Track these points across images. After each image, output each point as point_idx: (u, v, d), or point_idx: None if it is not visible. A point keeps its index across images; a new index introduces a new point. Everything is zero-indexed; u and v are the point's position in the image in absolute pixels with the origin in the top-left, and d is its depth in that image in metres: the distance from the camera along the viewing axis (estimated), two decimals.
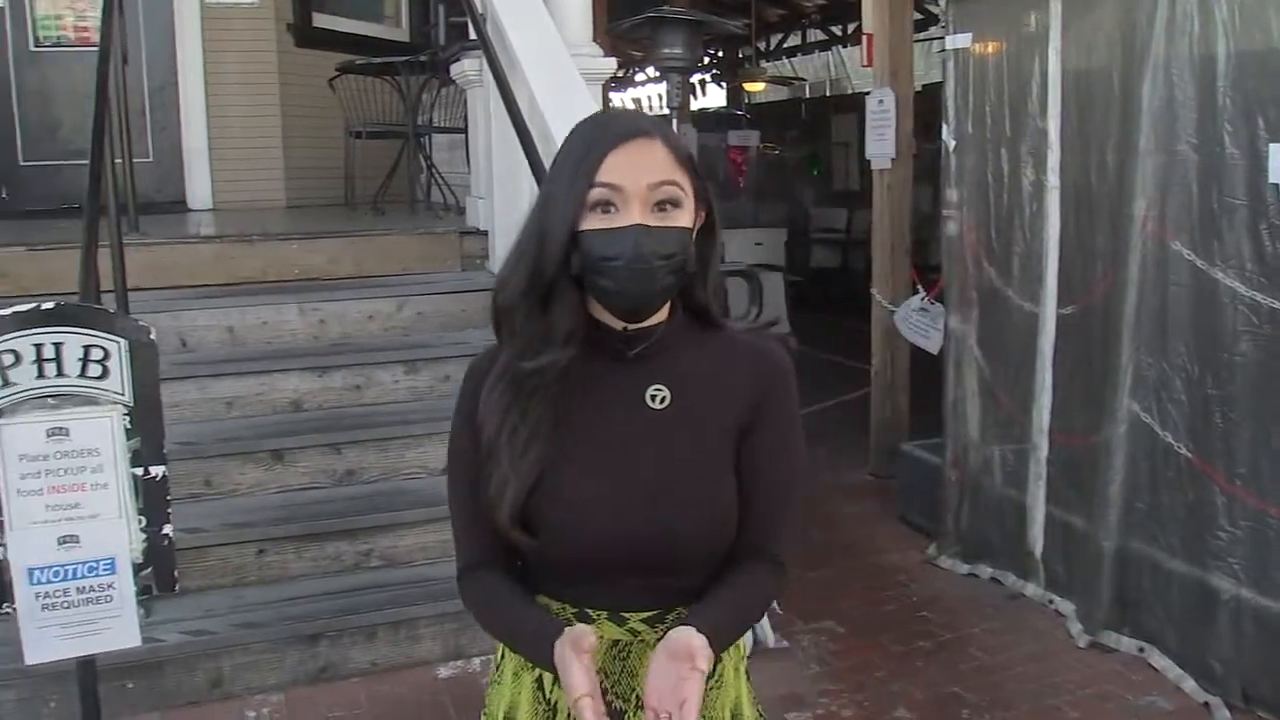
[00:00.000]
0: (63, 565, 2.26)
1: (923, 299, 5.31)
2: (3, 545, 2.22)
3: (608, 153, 1.39)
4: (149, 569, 2.35)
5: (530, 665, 1.53)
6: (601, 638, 1.49)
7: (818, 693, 3.57)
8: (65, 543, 2.25)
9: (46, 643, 2.29)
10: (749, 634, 3.75)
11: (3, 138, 6.72)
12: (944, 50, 4.65)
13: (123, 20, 4.69)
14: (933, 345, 5.17)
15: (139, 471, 2.29)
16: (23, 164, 6.79)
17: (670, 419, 1.48)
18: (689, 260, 1.44)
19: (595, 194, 1.39)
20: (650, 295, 1.42)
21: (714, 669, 1.53)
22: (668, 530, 1.44)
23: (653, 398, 1.48)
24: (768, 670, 3.70)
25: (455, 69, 4.84)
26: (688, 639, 1.33)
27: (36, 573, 2.24)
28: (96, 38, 6.60)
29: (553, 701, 1.53)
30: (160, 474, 2.31)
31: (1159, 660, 3.63)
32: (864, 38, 5.85)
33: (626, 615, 1.49)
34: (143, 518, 2.31)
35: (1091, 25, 3.89)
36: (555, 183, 1.43)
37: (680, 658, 1.31)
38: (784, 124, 14.95)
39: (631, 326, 1.47)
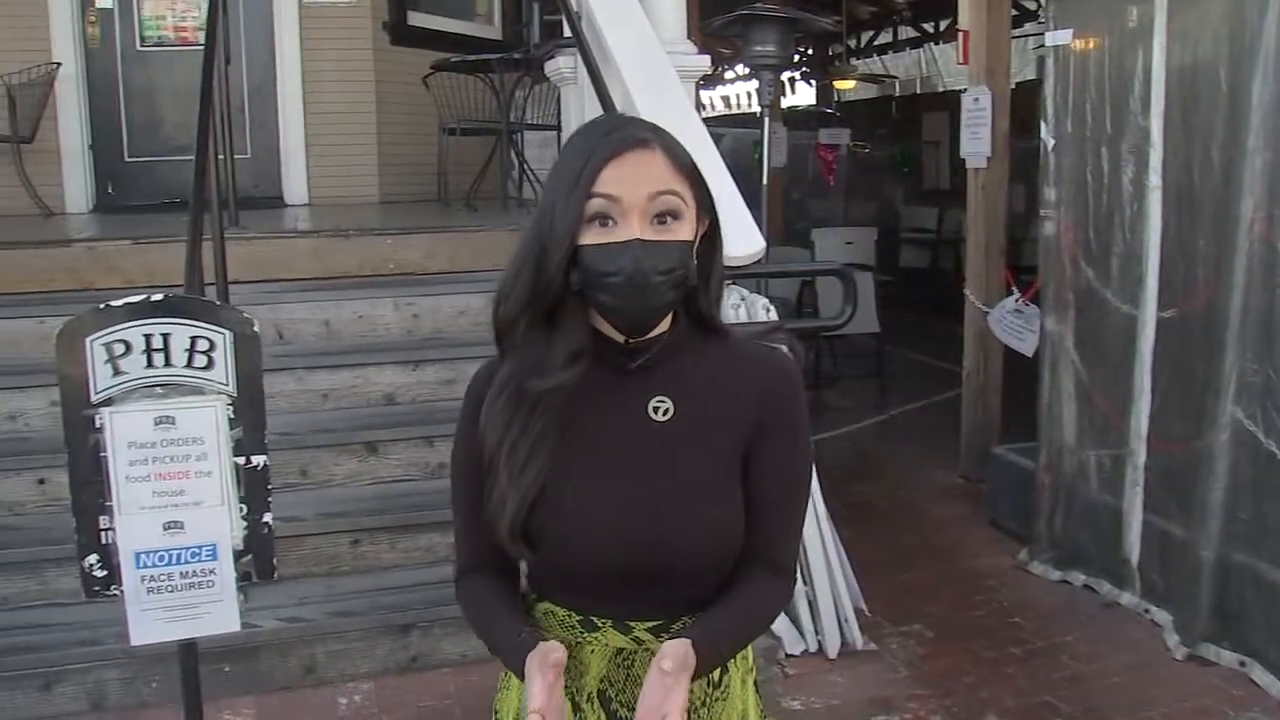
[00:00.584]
0: (167, 550, 2.30)
1: (1017, 300, 5.23)
2: (111, 529, 2.28)
3: (605, 163, 1.36)
4: (249, 556, 2.38)
5: None
6: (606, 645, 1.49)
7: (905, 697, 3.54)
8: (170, 528, 2.29)
9: (150, 625, 2.33)
10: (803, 639, 3.77)
11: (110, 135, 6.92)
12: (1042, 47, 4.58)
13: (226, 20, 4.78)
14: (1027, 347, 5.09)
15: (241, 460, 2.32)
16: (127, 160, 6.99)
17: (673, 431, 1.46)
18: (689, 274, 1.42)
19: (593, 205, 1.36)
20: (650, 311, 1.40)
21: (720, 680, 1.52)
22: (670, 544, 1.42)
23: (655, 409, 1.46)
24: (855, 673, 3.69)
25: (549, 66, 4.87)
26: (671, 648, 1.33)
27: (142, 556, 2.28)
28: (196, 37, 6.84)
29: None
30: (261, 463, 2.34)
31: (1261, 675, 3.53)
32: (960, 35, 5.77)
33: (632, 624, 1.48)
34: (244, 506, 2.35)
35: (1198, 19, 3.79)
36: (553, 193, 1.40)
37: (668, 670, 1.31)
38: (874, 122, 14.82)
39: (633, 339, 1.45)
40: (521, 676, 1.38)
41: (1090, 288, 4.29)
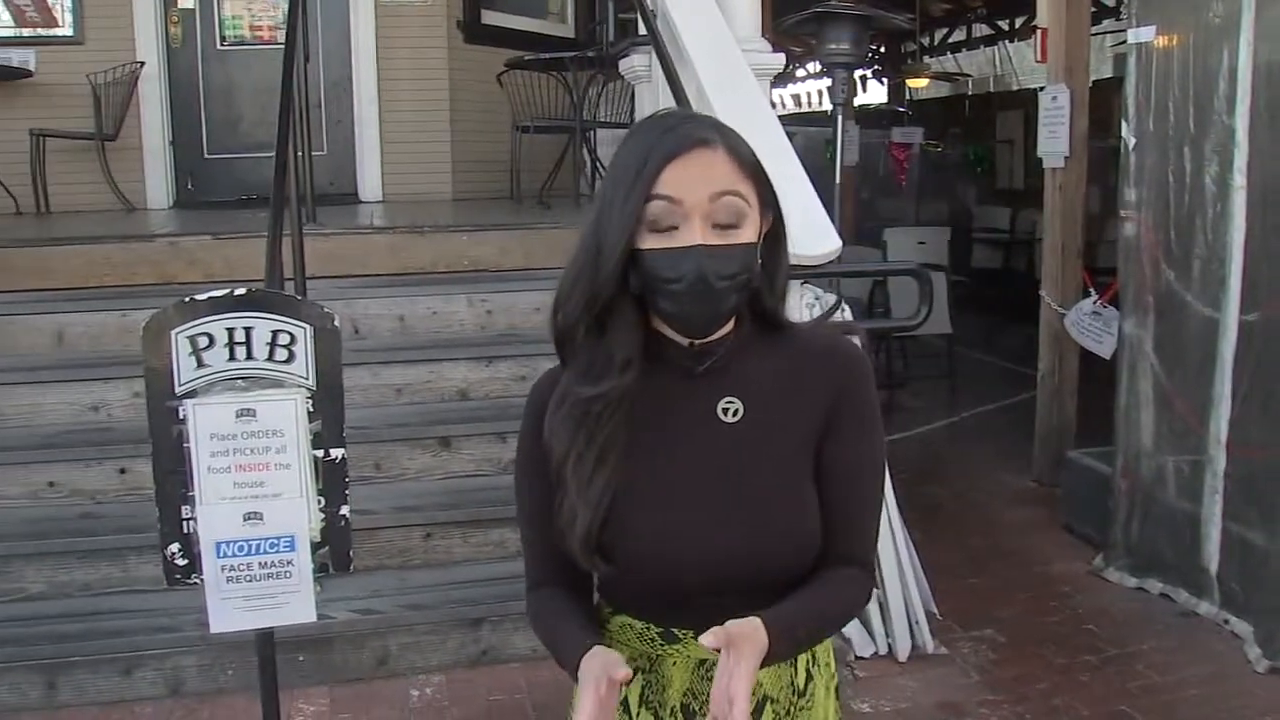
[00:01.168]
0: (247, 540, 2.33)
1: (1095, 302, 5.15)
2: (193, 519, 2.32)
3: (666, 163, 1.31)
4: (326, 548, 2.41)
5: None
6: (688, 657, 1.45)
7: (977, 702, 3.50)
8: (250, 519, 2.33)
9: (229, 614, 2.37)
10: (873, 641, 3.74)
11: (190, 132, 7.06)
12: (1121, 44, 4.51)
13: (304, 18, 4.85)
14: (1105, 350, 5.01)
15: (319, 453, 2.35)
16: (207, 157, 7.12)
17: (745, 432, 1.41)
18: (753, 276, 1.38)
19: (653, 208, 1.31)
20: (713, 315, 1.36)
21: (805, 688, 1.49)
22: (750, 552, 1.38)
23: (724, 411, 1.42)
24: (926, 677, 3.65)
25: (624, 64, 4.88)
26: (736, 624, 1.27)
27: (223, 546, 2.32)
28: (273, 36, 6.95)
29: None
30: (339, 456, 2.37)
31: None
32: (1038, 32, 5.69)
33: None
34: (322, 498, 2.37)
35: None
36: (611, 194, 1.35)
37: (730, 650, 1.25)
38: (947, 121, 14.66)
39: (698, 341, 1.41)
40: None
41: (1171, 290, 4.20)
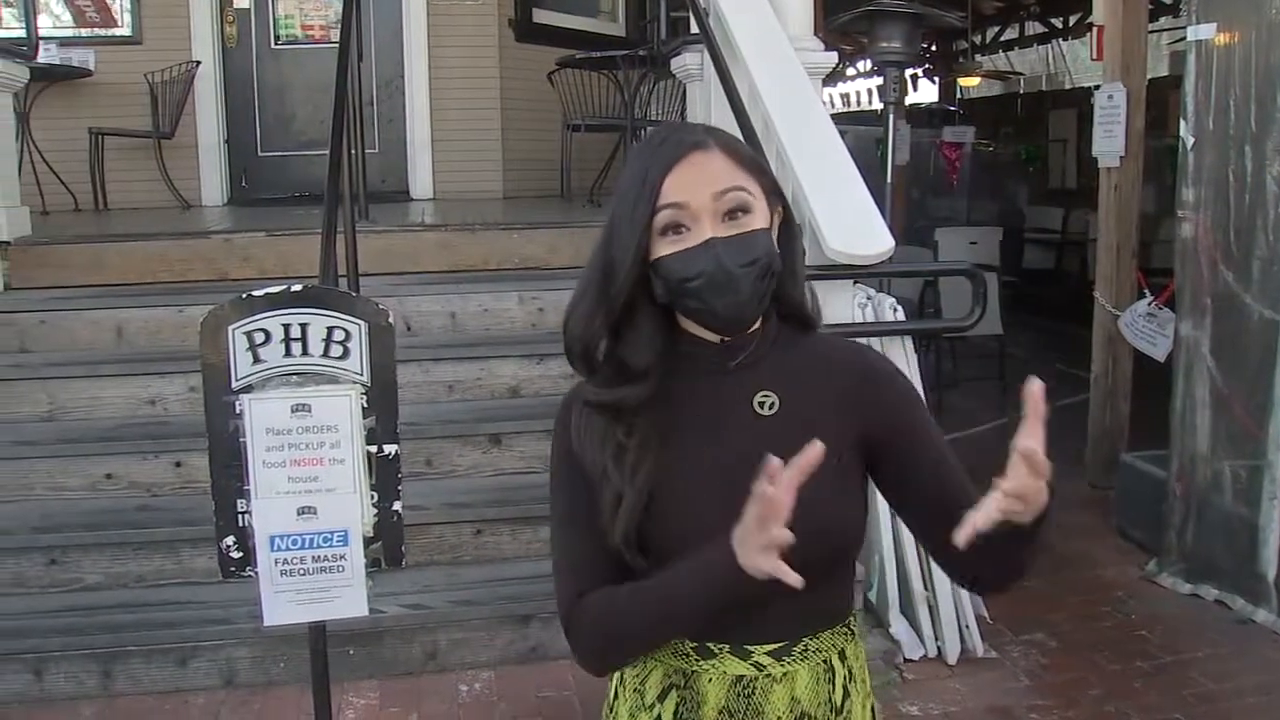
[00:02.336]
0: (301, 534, 2.36)
1: (1150, 304, 5.08)
2: (248, 513, 2.34)
3: (666, 173, 1.34)
4: (378, 543, 2.42)
5: (649, 705, 1.46)
6: (724, 673, 1.42)
7: (1027, 707, 3.46)
8: (304, 514, 2.35)
9: (283, 607, 2.39)
10: (922, 644, 3.71)
11: (244, 130, 7.14)
12: (1178, 41, 4.44)
13: (358, 17, 4.89)
14: (1160, 352, 4.94)
15: (373, 449, 2.37)
16: (260, 154, 7.20)
17: (781, 424, 1.41)
18: (774, 260, 1.38)
19: (662, 217, 1.34)
20: (742, 304, 1.36)
21: (842, 705, 1.47)
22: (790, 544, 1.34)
23: (760, 404, 1.43)
24: (975, 680, 3.61)
25: (676, 63, 4.88)
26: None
27: (277, 540, 2.35)
28: (325, 35, 7.02)
29: None
30: (393, 452, 2.39)
31: None
32: (1094, 30, 5.62)
33: (751, 648, 1.42)
34: (375, 493, 2.39)
35: None
36: (618, 213, 1.38)
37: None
38: (999, 119, 14.52)
39: (729, 338, 1.42)
40: (728, 592, 1.30)
41: (1229, 291, 4.14)
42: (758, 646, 1.42)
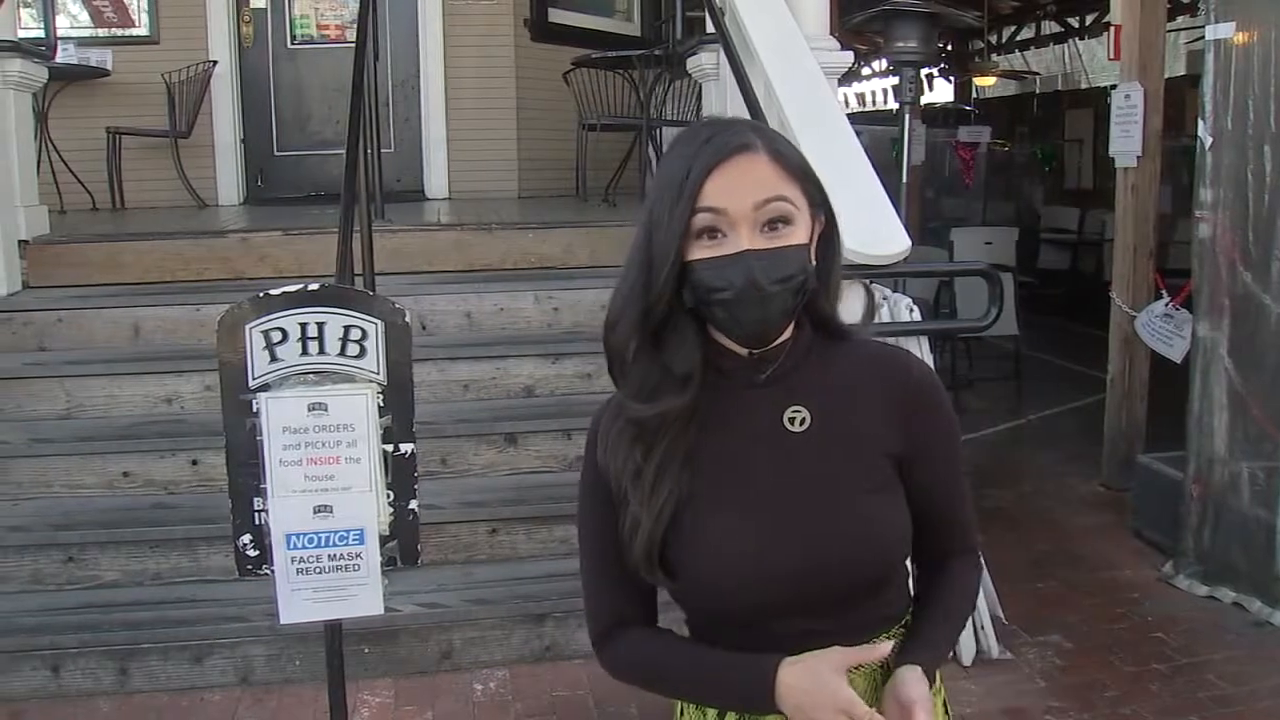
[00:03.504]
0: (317, 533, 2.36)
1: (1167, 304, 5.06)
2: (265, 511, 2.35)
3: (708, 174, 1.28)
4: (394, 541, 2.42)
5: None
6: None
7: (1042, 709, 3.44)
8: (320, 512, 2.35)
9: (299, 605, 2.40)
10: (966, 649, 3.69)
11: (261, 130, 7.17)
12: (1197, 40, 4.41)
13: (374, 16, 4.90)
14: (1176, 353, 4.92)
15: (389, 448, 2.37)
16: (276, 154, 7.22)
17: (814, 441, 1.37)
18: (809, 278, 1.33)
19: (699, 220, 1.29)
20: (769, 321, 1.32)
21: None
22: (825, 565, 1.33)
23: (791, 420, 1.38)
24: (990, 682, 3.60)
25: (692, 62, 4.88)
26: (910, 691, 1.30)
27: (293, 538, 2.35)
28: (341, 34, 7.04)
29: None
30: (409, 451, 2.39)
31: None
32: (1111, 29, 5.59)
33: None
34: (390, 492, 2.39)
35: None
36: (657, 207, 1.32)
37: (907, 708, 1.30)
38: (1014, 119, 14.48)
39: (757, 351, 1.37)
40: (763, 703, 1.31)
41: (1248, 292, 4.12)
42: None
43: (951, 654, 3.70)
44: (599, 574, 1.45)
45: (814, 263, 1.36)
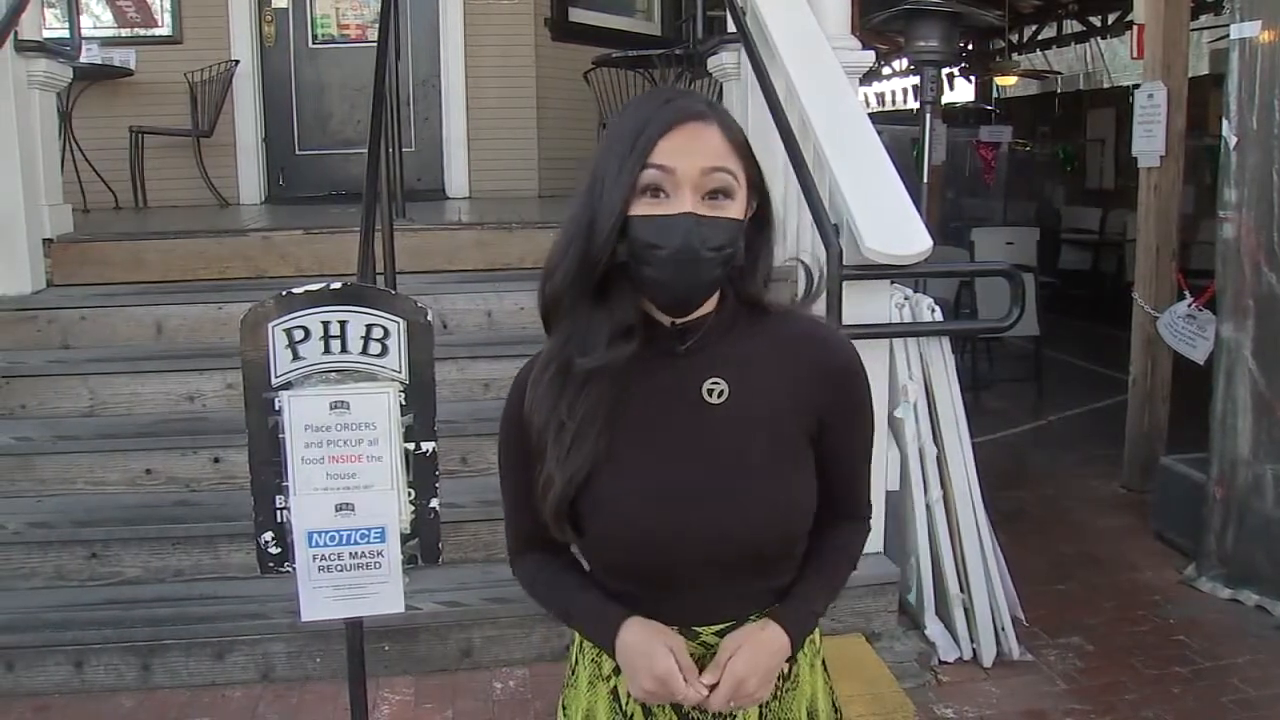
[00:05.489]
0: (338, 531, 2.37)
1: (1190, 305, 5.03)
2: (287, 509, 2.36)
3: (663, 133, 1.32)
4: (415, 540, 2.44)
5: (606, 676, 1.51)
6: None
7: (1063, 711, 3.43)
8: (341, 510, 2.36)
9: (320, 602, 2.41)
10: (958, 647, 3.70)
11: (282, 129, 7.20)
12: (1221, 39, 4.38)
13: (396, 16, 4.91)
14: (1199, 354, 4.89)
15: (410, 446, 2.38)
16: (298, 153, 7.25)
17: (730, 412, 1.41)
18: (737, 253, 1.38)
19: (647, 176, 1.32)
20: (696, 287, 1.36)
21: (790, 671, 1.50)
22: (728, 533, 1.38)
23: (709, 391, 1.42)
24: (1011, 683, 3.59)
25: (713, 62, 4.87)
26: (736, 666, 1.38)
27: (315, 536, 2.36)
28: (362, 34, 7.06)
29: (629, 713, 1.49)
30: (430, 449, 2.40)
31: None
32: (1134, 28, 5.56)
33: (699, 629, 1.44)
34: (412, 490, 2.40)
35: None
36: (606, 163, 1.35)
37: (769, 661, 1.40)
38: (1036, 119, 14.42)
39: (678, 319, 1.41)
40: (608, 650, 1.43)
41: (1272, 293, 4.09)
42: (705, 628, 1.45)
43: (973, 655, 3.71)
44: (515, 506, 1.53)
45: (744, 243, 1.40)
